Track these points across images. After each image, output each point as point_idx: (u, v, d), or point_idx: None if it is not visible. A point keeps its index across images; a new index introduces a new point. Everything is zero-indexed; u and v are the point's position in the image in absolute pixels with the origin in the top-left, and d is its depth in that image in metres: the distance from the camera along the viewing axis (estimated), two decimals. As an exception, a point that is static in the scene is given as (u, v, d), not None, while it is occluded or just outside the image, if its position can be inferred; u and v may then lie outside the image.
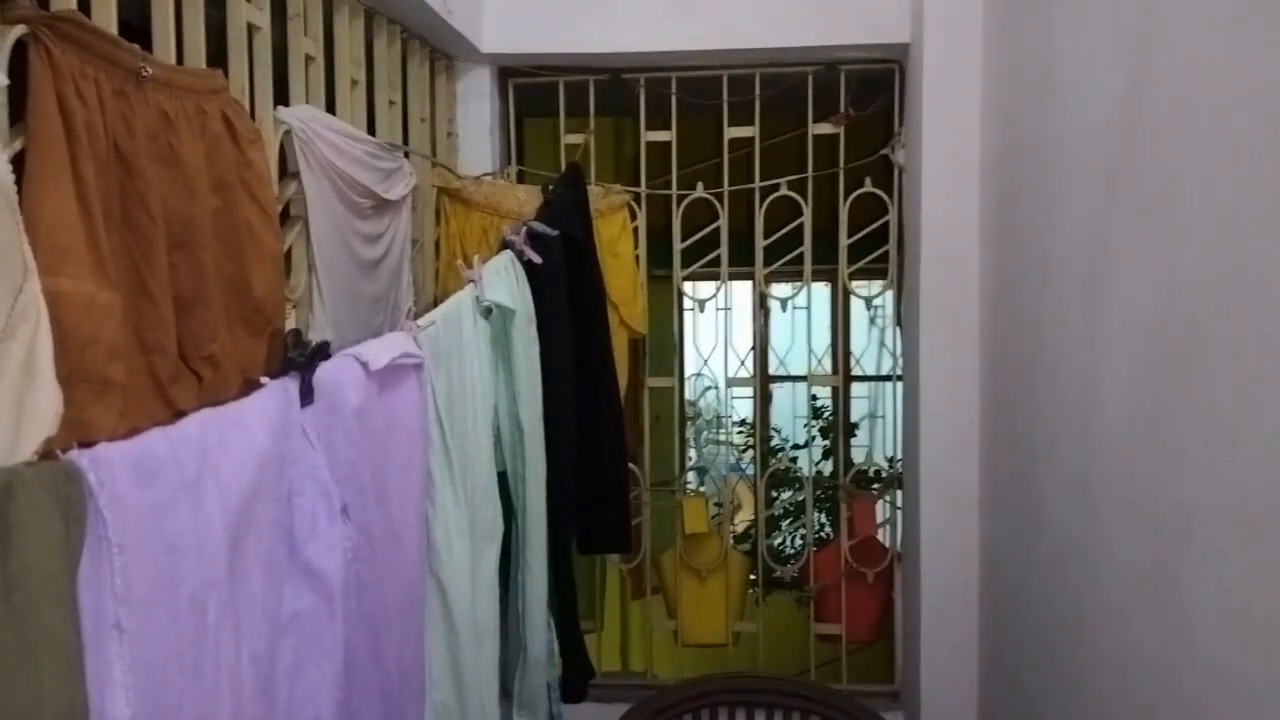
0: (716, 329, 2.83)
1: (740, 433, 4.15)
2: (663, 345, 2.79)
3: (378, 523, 1.23)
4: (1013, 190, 2.10)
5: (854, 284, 2.72)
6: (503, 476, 1.81)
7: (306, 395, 1.09)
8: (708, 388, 4.00)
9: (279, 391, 1.05)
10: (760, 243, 2.59)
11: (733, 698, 2.45)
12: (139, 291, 1.30)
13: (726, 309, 2.75)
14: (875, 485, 2.69)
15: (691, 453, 4.36)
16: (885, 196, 2.53)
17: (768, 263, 2.62)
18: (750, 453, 3.50)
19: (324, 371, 1.14)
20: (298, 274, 1.79)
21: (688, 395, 4.33)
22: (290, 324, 1.71)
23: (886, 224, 2.55)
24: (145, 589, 0.81)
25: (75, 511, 0.75)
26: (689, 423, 3.97)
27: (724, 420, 3.29)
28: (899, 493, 2.57)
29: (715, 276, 2.72)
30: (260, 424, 0.99)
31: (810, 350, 2.75)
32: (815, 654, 2.64)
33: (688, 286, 2.83)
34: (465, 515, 1.49)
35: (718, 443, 3.59)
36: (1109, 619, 1.57)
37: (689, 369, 4.09)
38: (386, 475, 1.27)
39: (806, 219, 2.56)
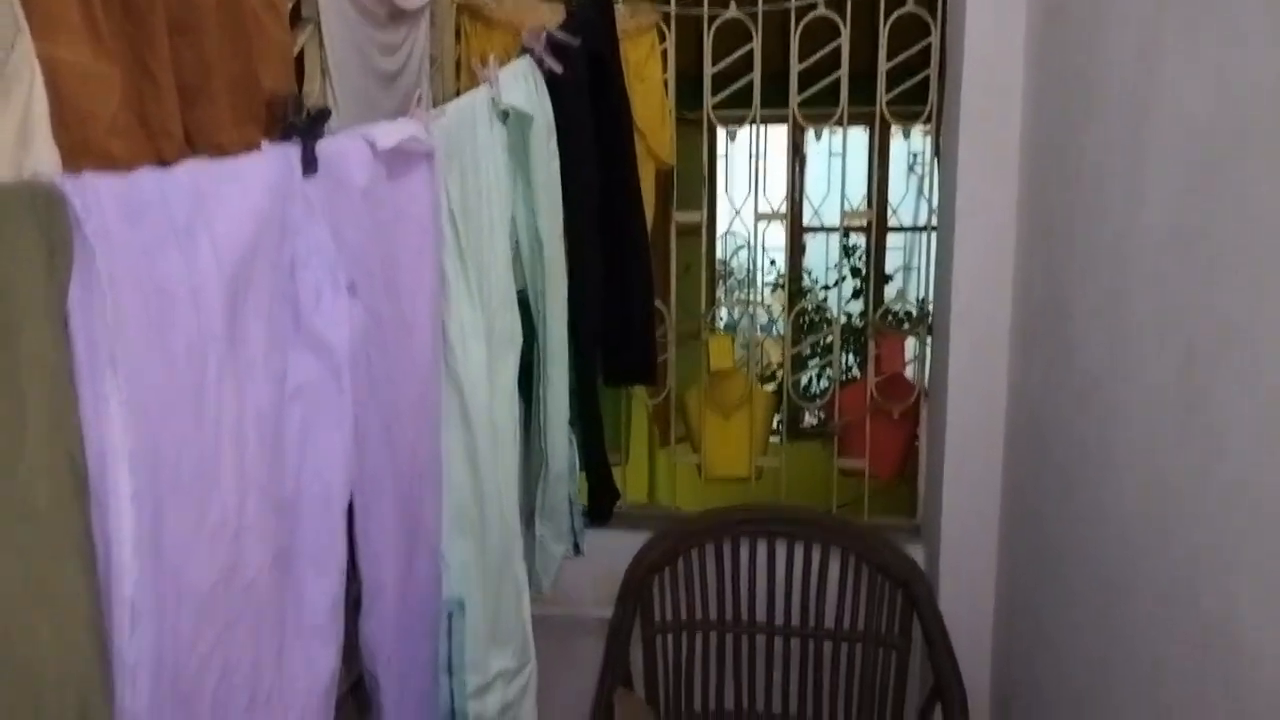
0: (749, 175, 2.75)
1: (772, 281, 4.08)
2: (691, 179, 2.71)
3: (388, 310, 1.21)
4: (1061, 4, 1.99)
5: (893, 130, 2.61)
6: (522, 297, 1.79)
7: (309, 165, 1.05)
8: (740, 247, 3.94)
9: (279, 156, 1.02)
10: (795, 67, 2.48)
11: (754, 528, 2.47)
12: (140, 73, 1.26)
13: (760, 156, 2.65)
14: (905, 324, 2.65)
15: (722, 311, 4.33)
16: (929, 18, 2.40)
17: (803, 100, 2.51)
18: (780, 308, 3.46)
19: (328, 145, 1.10)
20: (311, 79, 1.74)
21: (718, 254, 4.27)
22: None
23: (928, 49, 2.43)
24: (139, 329, 0.79)
25: (60, 237, 0.73)
26: (719, 281, 3.90)
27: (754, 276, 3.23)
28: (929, 335, 2.53)
29: (746, 119, 2.61)
30: (258, 183, 0.96)
31: (844, 196, 2.67)
32: (838, 490, 2.64)
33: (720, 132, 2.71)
34: (481, 318, 1.47)
35: (748, 302, 3.56)
36: (1134, 443, 1.54)
37: (720, 223, 4.03)
38: (396, 263, 1.24)
39: (844, 40, 2.45)
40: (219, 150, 1.38)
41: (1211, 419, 1.27)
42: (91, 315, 0.76)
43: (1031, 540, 2.09)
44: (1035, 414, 2.08)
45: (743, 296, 3.38)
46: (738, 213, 3.02)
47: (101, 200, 0.77)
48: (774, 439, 2.97)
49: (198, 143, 1.35)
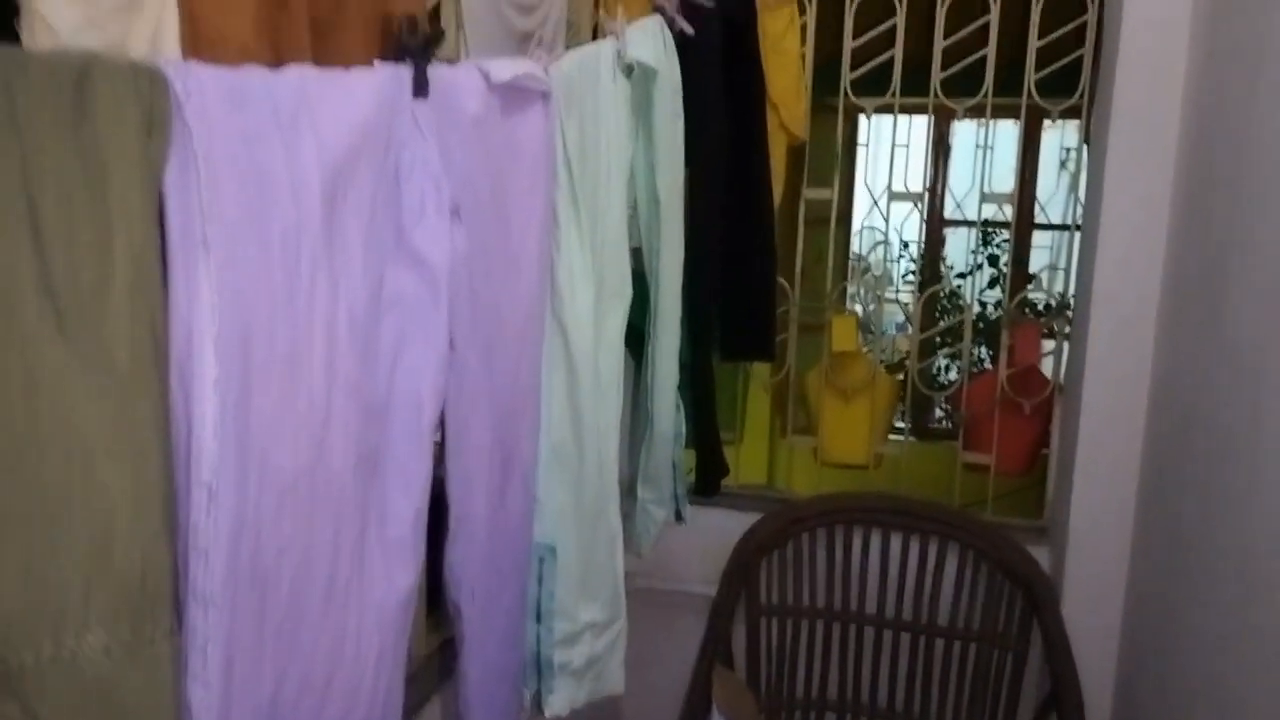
0: (889, 157, 2.67)
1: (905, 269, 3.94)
2: (824, 160, 2.64)
3: (495, 240, 1.22)
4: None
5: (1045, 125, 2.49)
6: (637, 255, 1.78)
7: (420, 87, 1.06)
8: (879, 242, 3.86)
9: (390, 73, 1.03)
10: (940, 43, 2.39)
11: (870, 516, 2.40)
12: (275, 3, 1.30)
13: (897, 137, 2.55)
14: (1042, 316, 2.52)
15: (857, 307, 4.23)
16: (1084, -7, 2.28)
17: (946, 89, 2.40)
18: (911, 296, 3.35)
19: (441, 71, 1.11)
20: (446, 31, 1.77)
21: (854, 248, 4.18)
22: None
23: (1082, 29, 2.31)
24: (233, 213, 0.81)
25: (159, 116, 0.75)
26: (858, 275, 3.85)
27: (891, 272, 3.13)
28: (1068, 327, 2.40)
29: (888, 109, 2.51)
30: (366, 92, 0.98)
31: (983, 175, 2.54)
32: (961, 488, 2.54)
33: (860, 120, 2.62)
34: (590, 265, 1.46)
35: (887, 300, 3.48)
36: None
37: (856, 215, 3.92)
38: (506, 196, 1.24)
39: (994, 17, 2.34)
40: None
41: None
42: (187, 196, 0.78)
43: (1168, 548, 1.96)
44: (1180, 413, 1.95)
45: (874, 282, 3.30)
46: (875, 202, 2.94)
47: (204, 86, 0.79)
48: (896, 436, 2.87)
49: (326, 75, 1.40)
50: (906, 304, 4.13)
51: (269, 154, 0.84)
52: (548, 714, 1.47)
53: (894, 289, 4.34)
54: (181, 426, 0.79)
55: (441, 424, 1.15)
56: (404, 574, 1.03)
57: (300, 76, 0.90)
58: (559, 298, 1.42)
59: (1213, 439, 1.73)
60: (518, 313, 1.28)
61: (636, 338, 1.90)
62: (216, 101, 0.80)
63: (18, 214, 0.65)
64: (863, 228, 3.66)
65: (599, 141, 1.52)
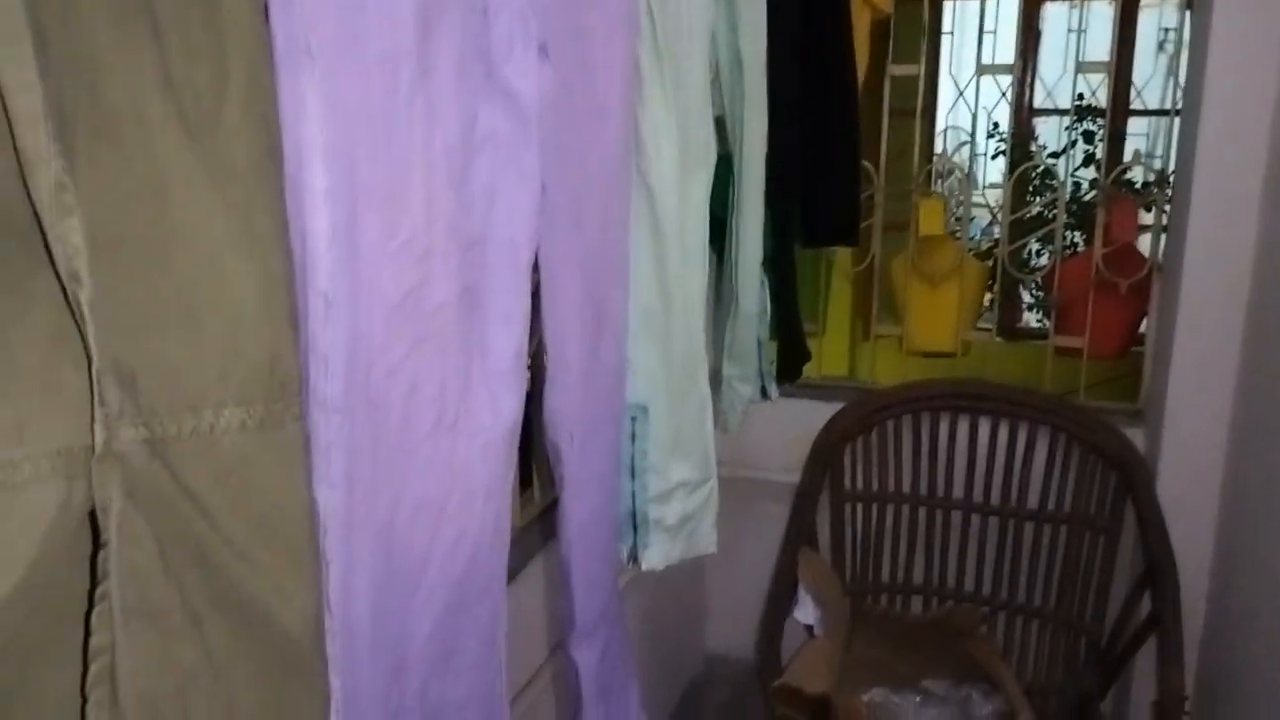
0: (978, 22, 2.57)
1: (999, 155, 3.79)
2: (910, 36, 2.56)
3: (580, 86, 1.20)
4: None
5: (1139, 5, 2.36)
6: (720, 127, 1.75)
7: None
8: (963, 143, 3.74)
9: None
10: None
11: (955, 402, 2.37)
12: None
13: (991, 32, 2.45)
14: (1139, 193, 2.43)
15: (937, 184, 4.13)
16: None
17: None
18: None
19: (524, -93, 1.09)
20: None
21: (937, 149, 4.07)
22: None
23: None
24: (332, 28, 0.81)
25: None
26: (939, 179, 3.75)
27: (976, 175, 3.02)
28: (1168, 203, 2.31)
29: None
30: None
31: (1079, 63, 2.43)
32: (1053, 375, 2.48)
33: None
34: (675, 124, 1.44)
35: (976, 205, 3.38)
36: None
37: (940, 119, 3.80)
38: (591, 41, 1.22)
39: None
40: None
41: None
42: (290, 6, 0.78)
43: (1268, 429, 1.90)
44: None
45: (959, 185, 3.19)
46: (961, 94, 2.85)
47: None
48: (983, 331, 2.82)
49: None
50: (994, 204, 4.03)
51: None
52: (644, 567, 1.50)
53: (980, 192, 4.23)
54: (297, 239, 0.81)
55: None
56: (509, 402, 1.05)
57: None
58: (644, 155, 1.40)
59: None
60: (605, 165, 1.27)
61: (717, 228, 1.87)
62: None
63: (136, 8, 0.66)
64: (947, 127, 3.55)
65: (681, -2, 1.49)
